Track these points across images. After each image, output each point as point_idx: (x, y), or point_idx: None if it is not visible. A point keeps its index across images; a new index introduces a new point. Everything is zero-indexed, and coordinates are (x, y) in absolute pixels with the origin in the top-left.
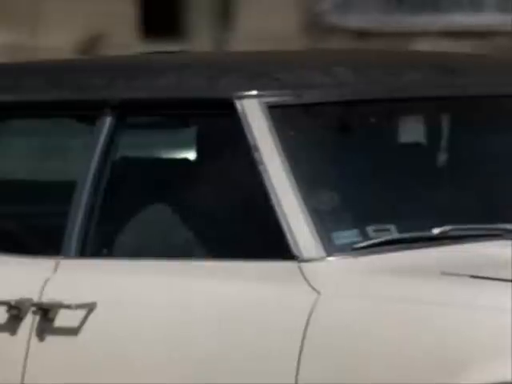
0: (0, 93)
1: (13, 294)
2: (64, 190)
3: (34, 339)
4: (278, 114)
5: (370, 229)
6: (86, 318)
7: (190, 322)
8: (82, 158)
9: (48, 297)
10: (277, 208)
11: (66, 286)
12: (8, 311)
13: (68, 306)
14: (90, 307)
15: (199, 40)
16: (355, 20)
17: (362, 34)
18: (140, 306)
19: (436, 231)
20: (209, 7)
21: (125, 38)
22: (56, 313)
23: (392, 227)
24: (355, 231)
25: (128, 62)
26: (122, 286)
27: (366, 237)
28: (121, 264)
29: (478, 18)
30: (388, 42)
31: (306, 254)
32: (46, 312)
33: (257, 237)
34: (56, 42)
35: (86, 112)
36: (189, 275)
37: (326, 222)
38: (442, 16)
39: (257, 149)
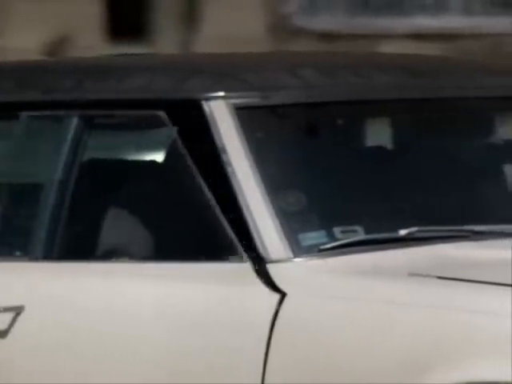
0: None
1: None
2: (32, 192)
3: None
4: (246, 116)
5: (337, 230)
6: (13, 321)
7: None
8: (49, 159)
9: None
10: (244, 209)
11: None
12: None
13: None
14: (16, 310)
15: (165, 42)
16: (321, 22)
17: (327, 36)
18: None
19: (403, 232)
20: (174, 8)
21: (91, 40)
22: None
23: (359, 228)
24: (322, 232)
25: (96, 64)
26: (56, 289)
27: (332, 238)
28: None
29: (442, 20)
30: (353, 45)
31: (272, 254)
32: None
33: (224, 238)
34: (23, 43)
35: (53, 113)
36: (141, 277)
37: (292, 223)
38: (407, 18)
39: (224, 150)
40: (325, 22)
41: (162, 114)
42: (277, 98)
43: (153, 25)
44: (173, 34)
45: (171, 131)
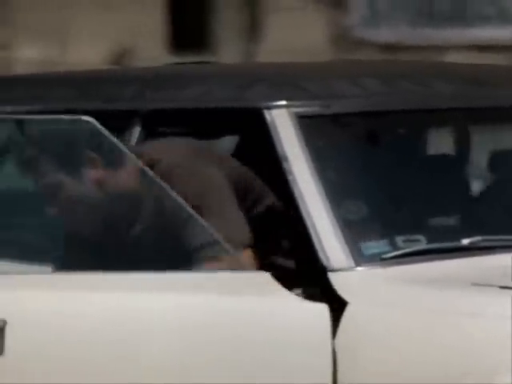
0: (31, 102)
1: None
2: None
3: None
4: (307, 124)
5: (399, 239)
6: None
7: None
8: None
9: None
10: (306, 218)
11: None
12: None
13: None
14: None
15: (227, 53)
16: (383, 33)
17: (390, 48)
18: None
19: (466, 242)
20: (237, 20)
21: (153, 51)
22: None
23: (421, 237)
24: (384, 241)
25: (156, 73)
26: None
27: (395, 247)
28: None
29: (506, 31)
30: (416, 56)
31: (334, 263)
32: None
33: (285, 246)
34: (86, 56)
35: (115, 122)
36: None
37: (354, 232)
38: (471, 30)
39: (286, 159)
40: (387, 33)
41: (223, 122)
42: (338, 107)
43: (215, 36)
44: (235, 46)
45: (232, 140)
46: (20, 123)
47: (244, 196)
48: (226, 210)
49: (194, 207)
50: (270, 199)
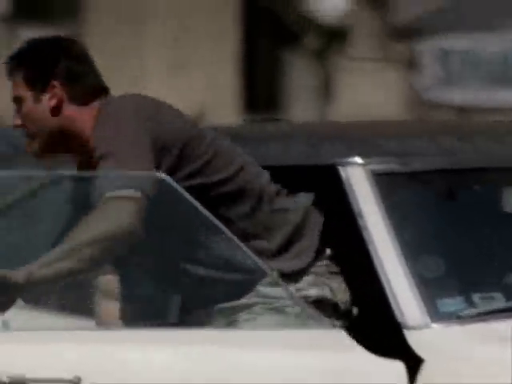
0: None
1: None
2: None
3: None
4: (382, 181)
5: (475, 296)
6: None
7: None
8: None
9: None
10: (381, 274)
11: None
12: None
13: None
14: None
15: (300, 113)
16: (457, 96)
17: (463, 110)
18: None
19: None
20: (310, 81)
21: (226, 112)
22: None
23: (498, 295)
24: (460, 298)
25: (231, 132)
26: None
27: (471, 304)
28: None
29: None
30: (491, 118)
31: (410, 321)
32: None
33: (359, 302)
34: None
35: None
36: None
37: (430, 289)
38: None
39: (361, 215)
40: (461, 95)
41: (299, 180)
42: (415, 165)
43: (287, 98)
44: (308, 106)
45: (308, 197)
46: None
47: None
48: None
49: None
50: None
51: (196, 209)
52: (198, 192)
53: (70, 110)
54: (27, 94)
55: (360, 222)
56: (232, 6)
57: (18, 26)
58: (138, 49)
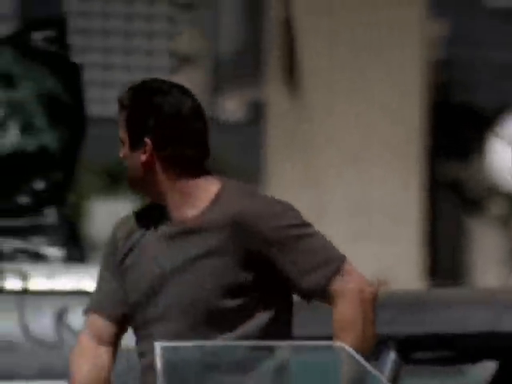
0: None
1: None
2: None
3: None
4: None
5: None
6: None
7: None
8: None
9: None
10: None
11: None
12: None
13: None
14: None
15: (484, 280)
16: None
17: None
18: None
19: None
20: (495, 248)
21: (408, 279)
22: None
23: None
24: None
25: (411, 297)
26: None
27: None
28: None
29: None
30: None
31: None
32: None
33: None
34: None
35: None
36: None
37: None
38: None
39: None
40: None
41: (480, 347)
42: None
43: (471, 265)
44: (492, 275)
45: (489, 366)
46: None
47: None
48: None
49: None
50: None
51: (378, 379)
52: None
53: (162, 174)
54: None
55: None
56: (416, 178)
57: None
58: (318, 217)
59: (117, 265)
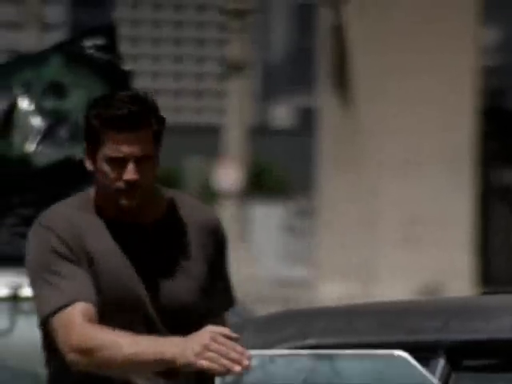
0: (333, 335)
1: None
2: None
3: None
4: None
5: None
6: None
7: None
8: None
9: None
10: None
11: None
12: None
13: None
14: None
15: None
16: None
17: None
18: None
19: None
20: None
21: (460, 287)
22: None
23: None
24: None
25: (463, 303)
26: None
27: None
28: None
29: None
30: None
31: None
32: None
33: None
34: (388, 292)
35: (417, 354)
36: None
37: None
38: None
39: None
40: None
41: None
42: None
43: None
44: None
45: None
46: (329, 357)
47: None
48: None
49: None
50: None
51: None
52: None
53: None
54: (154, 152)
55: None
56: (469, 186)
57: (249, 201)
58: (370, 226)
59: (80, 258)
